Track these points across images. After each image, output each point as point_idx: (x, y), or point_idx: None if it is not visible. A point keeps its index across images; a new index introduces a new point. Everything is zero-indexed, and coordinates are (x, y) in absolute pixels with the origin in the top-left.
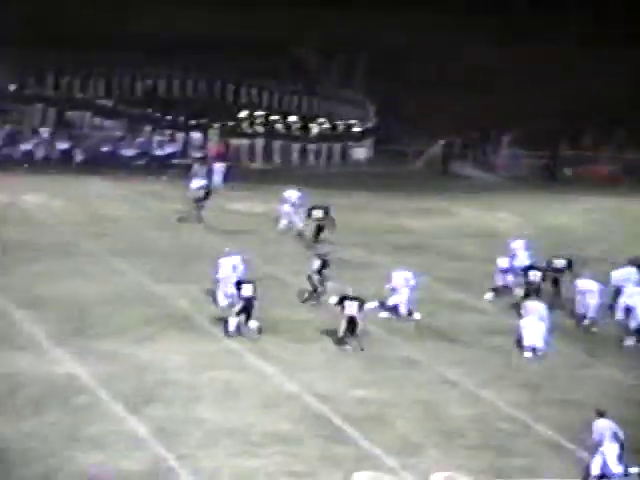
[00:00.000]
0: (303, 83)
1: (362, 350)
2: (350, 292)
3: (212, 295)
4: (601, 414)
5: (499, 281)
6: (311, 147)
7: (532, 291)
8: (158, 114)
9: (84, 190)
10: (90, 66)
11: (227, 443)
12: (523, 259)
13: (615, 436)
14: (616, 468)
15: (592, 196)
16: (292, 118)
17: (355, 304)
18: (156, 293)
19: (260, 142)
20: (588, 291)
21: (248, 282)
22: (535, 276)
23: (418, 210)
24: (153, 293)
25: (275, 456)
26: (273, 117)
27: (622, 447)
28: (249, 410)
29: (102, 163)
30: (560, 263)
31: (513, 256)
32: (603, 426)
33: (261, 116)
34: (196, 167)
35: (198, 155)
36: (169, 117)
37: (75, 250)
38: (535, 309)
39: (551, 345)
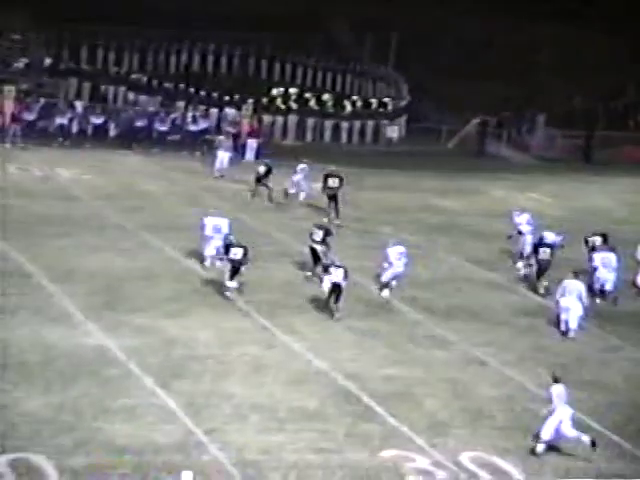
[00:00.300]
0: (336, 59)
1: (338, 319)
2: (336, 260)
3: (199, 256)
4: (556, 379)
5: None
6: (344, 125)
7: (542, 269)
8: (192, 90)
9: (117, 165)
10: (124, 41)
11: (255, 418)
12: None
13: (567, 401)
14: (570, 432)
15: (627, 178)
16: (325, 95)
17: (341, 271)
18: (186, 269)
19: (293, 119)
20: (606, 265)
21: (239, 246)
22: (545, 253)
23: (449, 190)
24: (183, 269)
25: (302, 432)
26: (306, 94)
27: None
28: (277, 386)
29: (136, 138)
30: (597, 240)
31: (520, 232)
32: (559, 391)
33: (294, 93)
34: (220, 139)
35: (231, 131)
36: (203, 93)
37: (107, 225)
38: (575, 288)
39: (584, 327)
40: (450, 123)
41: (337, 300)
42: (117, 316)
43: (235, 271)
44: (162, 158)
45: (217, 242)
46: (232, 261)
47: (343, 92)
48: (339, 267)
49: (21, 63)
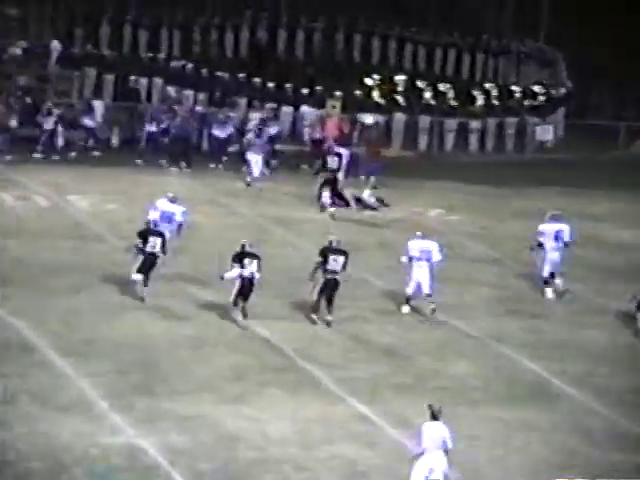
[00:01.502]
0: (461, 32)
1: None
2: (247, 246)
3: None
4: (435, 416)
5: None
6: (473, 125)
7: None
8: (256, 81)
9: (153, 188)
10: (161, 13)
11: None
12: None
13: (444, 444)
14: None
15: None
16: (446, 84)
17: (255, 264)
18: (251, 334)
19: (400, 118)
20: None
21: (158, 234)
22: None
23: (632, 216)
24: (246, 334)
25: None
26: (419, 82)
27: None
28: None
29: (178, 150)
30: None
31: (540, 244)
32: (434, 432)
33: (402, 81)
34: (249, 138)
35: (315, 137)
36: (271, 85)
37: None
38: None
39: None
40: (633, 118)
41: (246, 300)
42: (155, 403)
43: (150, 265)
44: (216, 177)
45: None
46: (146, 254)
47: (472, 78)
48: (254, 257)
49: (18, 49)
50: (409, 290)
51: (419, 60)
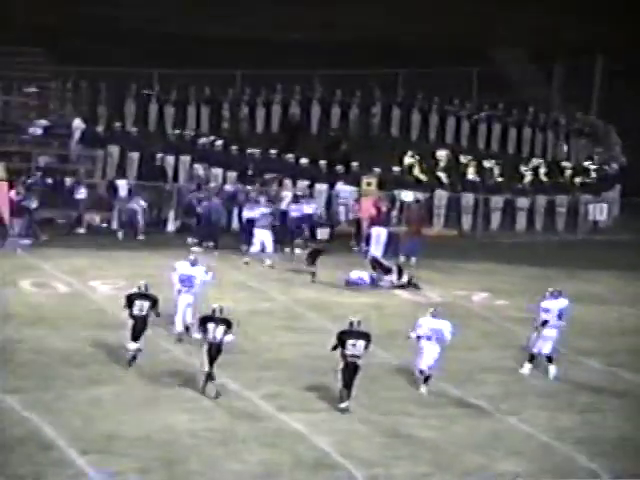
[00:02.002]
0: (507, 105)
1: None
2: (217, 310)
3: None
4: None
5: None
6: (521, 203)
7: None
8: (289, 157)
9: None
10: (189, 86)
11: None
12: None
13: None
14: None
15: None
16: (490, 160)
17: (221, 329)
18: (284, 428)
19: (442, 196)
20: None
21: (146, 297)
22: None
23: None
24: (280, 428)
25: None
26: (462, 158)
27: None
28: None
29: (208, 231)
30: None
31: (545, 322)
32: None
33: (444, 157)
34: (262, 212)
35: (352, 216)
36: (305, 161)
37: (163, 363)
38: None
39: None
40: None
41: (211, 367)
42: None
43: (142, 328)
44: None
45: (187, 299)
46: (136, 318)
47: (519, 154)
48: (221, 323)
49: (38, 128)
50: (423, 366)
51: (462, 134)
